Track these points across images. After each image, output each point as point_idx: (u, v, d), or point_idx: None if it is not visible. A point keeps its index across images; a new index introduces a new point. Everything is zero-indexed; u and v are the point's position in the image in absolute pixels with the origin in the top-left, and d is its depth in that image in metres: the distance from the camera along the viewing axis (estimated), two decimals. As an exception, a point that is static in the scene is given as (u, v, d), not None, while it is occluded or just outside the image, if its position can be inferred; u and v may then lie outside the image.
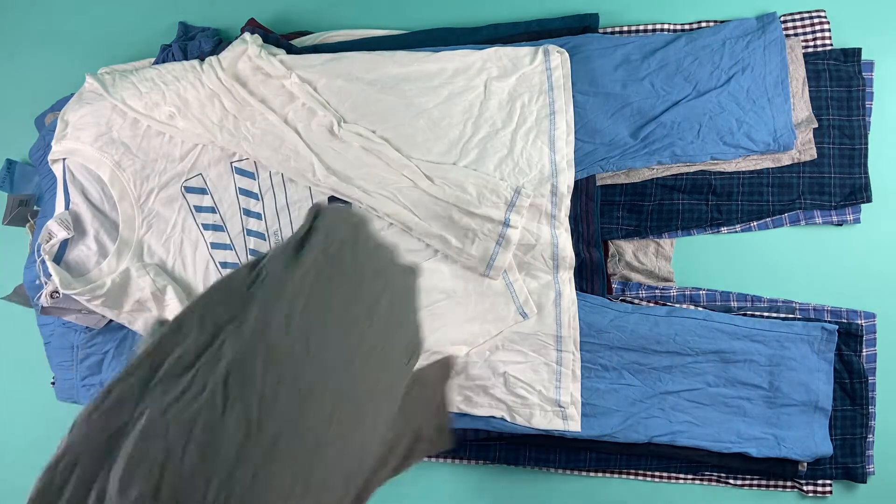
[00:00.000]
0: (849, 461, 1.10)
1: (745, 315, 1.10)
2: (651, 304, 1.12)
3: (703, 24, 1.14)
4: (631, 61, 1.09)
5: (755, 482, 1.15)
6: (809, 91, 1.10)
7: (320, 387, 0.50)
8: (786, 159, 1.11)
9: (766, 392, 1.08)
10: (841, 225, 1.14)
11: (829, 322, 1.10)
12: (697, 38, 1.10)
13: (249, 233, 1.09)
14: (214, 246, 1.09)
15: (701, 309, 1.10)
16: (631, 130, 1.09)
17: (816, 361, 1.08)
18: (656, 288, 1.16)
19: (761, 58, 1.08)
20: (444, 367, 0.86)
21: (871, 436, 1.11)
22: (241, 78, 1.08)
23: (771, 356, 1.07)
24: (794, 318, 1.10)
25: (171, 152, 1.08)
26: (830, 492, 1.12)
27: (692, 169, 1.11)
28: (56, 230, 1.05)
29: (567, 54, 1.08)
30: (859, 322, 1.11)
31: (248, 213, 1.08)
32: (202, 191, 1.09)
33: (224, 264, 1.09)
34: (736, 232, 1.15)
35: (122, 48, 1.28)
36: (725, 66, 1.08)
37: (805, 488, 1.12)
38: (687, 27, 1.14)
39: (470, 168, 1.06)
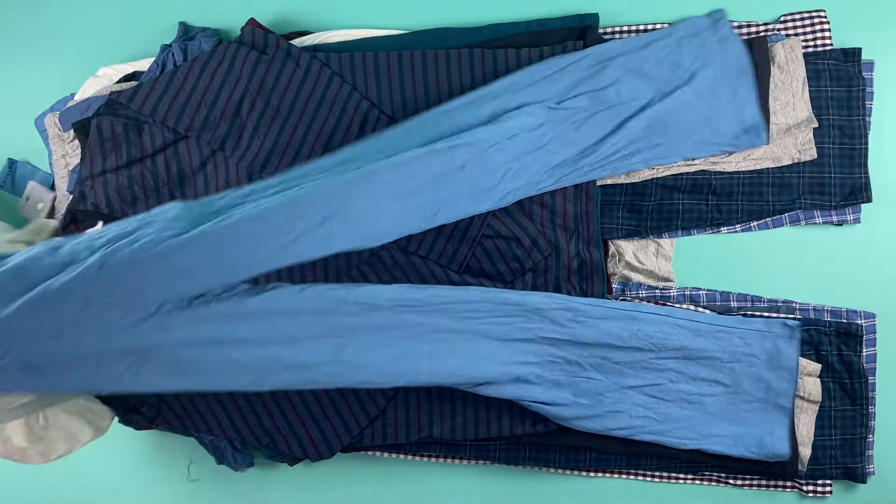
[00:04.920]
0: (849, 461, 1.10)
1: (731, 314, 1.10)
2: (638, 302, 1.11)
3: None
4: (591, 73, 1.08)
5: (755, 482, 1.14)
6: (809, 91, 1.10)
7: None
8: (786, 159, 1.11)
9: (727, 388, 1.07)
10: (841, 225, 1.14)
11: (829, 322, 1.10)
12: (653, 40, 1.09)
13: None
14: None
15: (669, 306, 1.09)
16: (597, 140, 1.08)
17: (779, 358, 1.07)
18: (656, 288, 1.16)
19: (720, 51, 1.08)
20: None
21: (871, 436, 1.11)
22: None
23: (733, 353, 1.06)
24: (776, 317, 1.09)
25: None
26: (830, 492, 1.12)
27: (692, 169, 1.11)
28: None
29: None
30: (859, 322, 1.11)
31: None
32: None
33: None
34: (736, 232, 1.15)
35: (122, 48, 1.28)
36: (686, 63, 1.08)
37: (805, 488, 1.12)
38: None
39: None
